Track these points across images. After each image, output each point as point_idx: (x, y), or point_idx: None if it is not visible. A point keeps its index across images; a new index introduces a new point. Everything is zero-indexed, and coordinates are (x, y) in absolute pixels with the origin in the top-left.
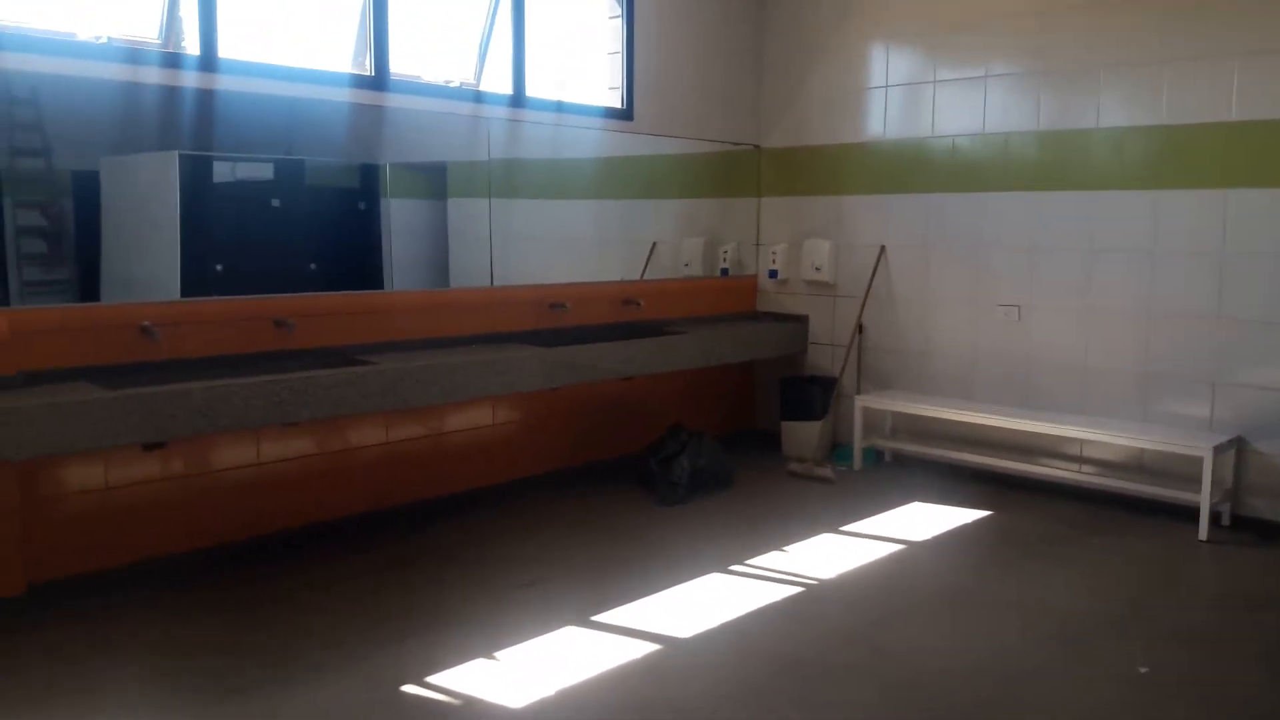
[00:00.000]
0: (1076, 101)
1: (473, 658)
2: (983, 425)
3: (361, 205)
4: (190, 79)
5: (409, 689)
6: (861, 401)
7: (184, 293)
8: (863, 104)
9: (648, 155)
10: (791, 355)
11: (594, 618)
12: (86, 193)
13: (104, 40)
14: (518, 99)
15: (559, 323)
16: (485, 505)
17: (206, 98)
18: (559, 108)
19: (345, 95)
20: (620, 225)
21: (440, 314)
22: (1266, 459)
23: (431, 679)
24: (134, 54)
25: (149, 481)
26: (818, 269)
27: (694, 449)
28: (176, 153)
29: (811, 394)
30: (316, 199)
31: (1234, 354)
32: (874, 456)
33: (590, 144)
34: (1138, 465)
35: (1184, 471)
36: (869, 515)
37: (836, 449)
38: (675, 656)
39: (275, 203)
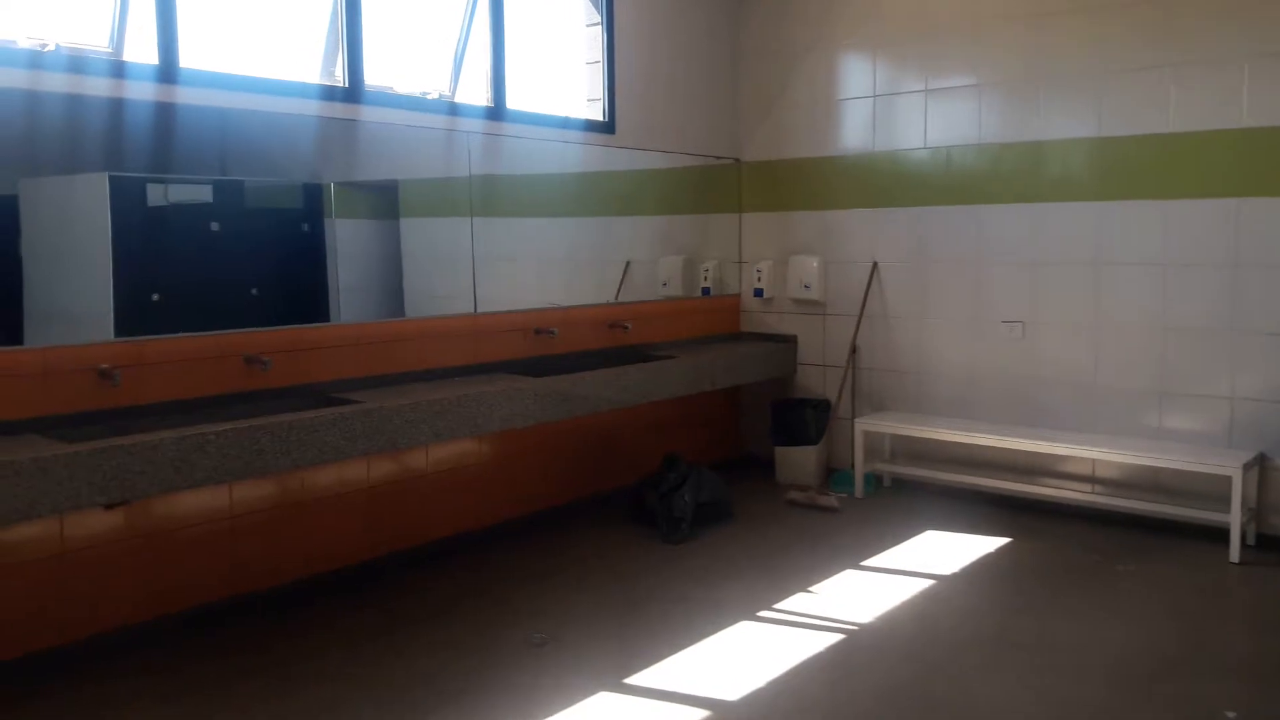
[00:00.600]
0: (1077, 109)
1: None
2: (990, 446)
3: (305, 227)
4: (146, 91)
5: None
6: (862, 425)
7: (118, 325)
8: (848, 114)
9: (623, 170)
10: (781, 377)
11: (627, 680)
12: (2, 219)
13: (50, 48)
14: (497, 111)
15: (547, 350)
16: (471, 551)
17: (165, 111)
18: (540, 121)
19: (316, 109)
20: (594, 244)
21: (420, 344)
22: None
23: None
24: (78, 63)
25: (109, 542)
26: (807, 286)
27: (695, 481)
28: (107, 174)
29: (805, 418)
30: (256, 221)
31: (1251, 368)
32: (873, 481)
33: (563, 159)
34: (1153, 484)
35: (1204, 490)
36: (886, 548)
37: (833, 474)
38: None
39: (214, 226)
